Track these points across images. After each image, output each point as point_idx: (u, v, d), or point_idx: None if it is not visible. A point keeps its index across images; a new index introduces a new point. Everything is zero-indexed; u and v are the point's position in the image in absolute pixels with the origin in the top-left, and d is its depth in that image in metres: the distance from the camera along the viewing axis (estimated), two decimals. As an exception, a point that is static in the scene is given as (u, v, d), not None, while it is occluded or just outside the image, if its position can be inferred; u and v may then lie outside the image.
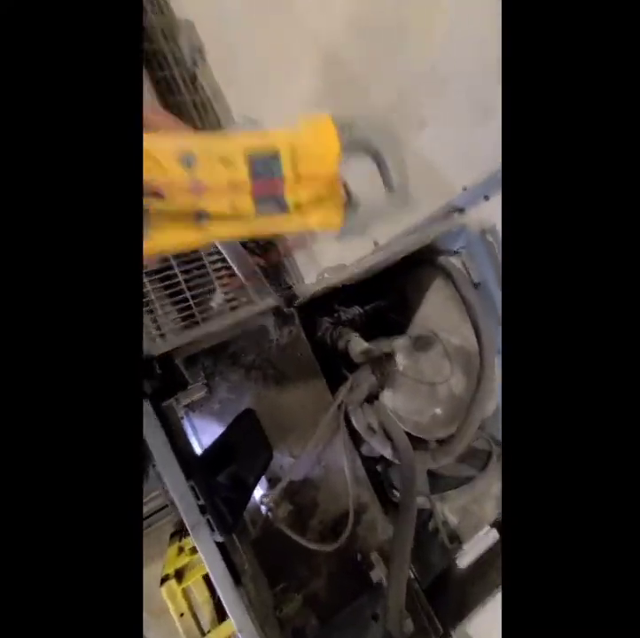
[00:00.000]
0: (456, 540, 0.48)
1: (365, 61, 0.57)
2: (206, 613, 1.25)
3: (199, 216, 0.18)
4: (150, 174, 0.18)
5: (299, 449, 0.48)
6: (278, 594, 0.45)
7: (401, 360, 0.46)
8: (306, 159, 0.18)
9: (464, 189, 0.46)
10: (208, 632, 1.22)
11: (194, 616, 1.23)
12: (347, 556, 0.50)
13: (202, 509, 0.30)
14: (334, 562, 0.49)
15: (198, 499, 0.30)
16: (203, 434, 0.44)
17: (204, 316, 0.45)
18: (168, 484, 0.30)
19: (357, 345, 0.53)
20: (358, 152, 0.19)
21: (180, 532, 1.33)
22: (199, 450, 0.40)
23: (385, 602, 0.37)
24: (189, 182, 0.18)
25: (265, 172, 0.18)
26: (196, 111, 1.35)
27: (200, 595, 1.26)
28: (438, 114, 0.51)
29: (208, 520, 0.30)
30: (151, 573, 1.26)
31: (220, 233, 0.19)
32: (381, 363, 0.48)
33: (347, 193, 0.20)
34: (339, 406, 0.46)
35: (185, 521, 0.30)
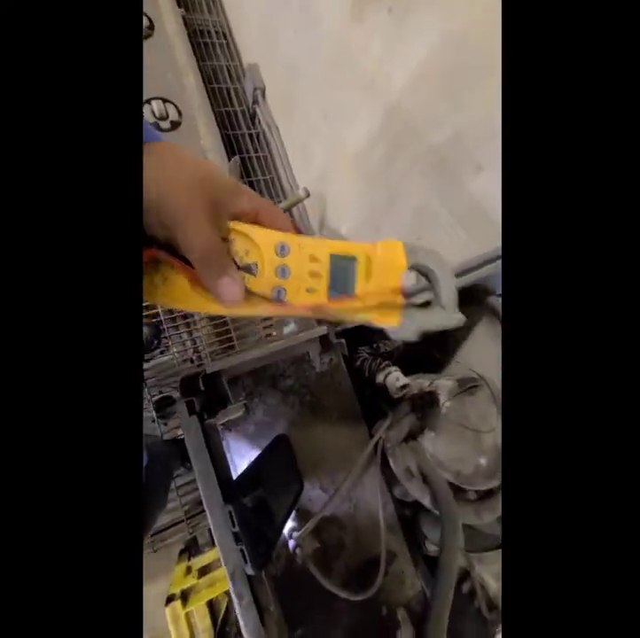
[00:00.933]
0: (495, 609, 0.43)
1: (423, 107, 0.60)
2: (205, 643, 1.19)
3: (279, 293, 0.22)
4: (247, 254, 0.22)
5: (328, 482, 0.47)
6: (296, 640, 0.42)
7: (444, 401, 0.44)
8: (377, 268, 0.23)
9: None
10: (206, 664, 1.16)
11: (198, 644, 1.18)
12: (371, 608, 0.46)
13: (236, 538, 0.30)
14: (357, 613, 0.46)
15: (233, 526, 0.30)
16: (236, 455, 0.44)
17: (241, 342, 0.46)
18: (206, 506, 0.30)
19: (397, 379, 0.52)
20: (418, 272, 0.24)
21: (189, 549, 1.30)
22: (234, 473, 0.39)
23: None
24: (279, 264, 0.22)
25: (342, 272, 0.23)
26: (251, 142, 1.45)
27: (202, 622, 1.21)
28: (493, 160, 0.52)
29: (242, 550, 0.29)
30: (158, 589, 1.23)
31: (293, 311, 0.22)
32: (422, 401, 0.46)
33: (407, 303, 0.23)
34: (377, 443, 0.45)
35: (219, 549, 0.29)
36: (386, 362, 0.57)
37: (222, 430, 0.45)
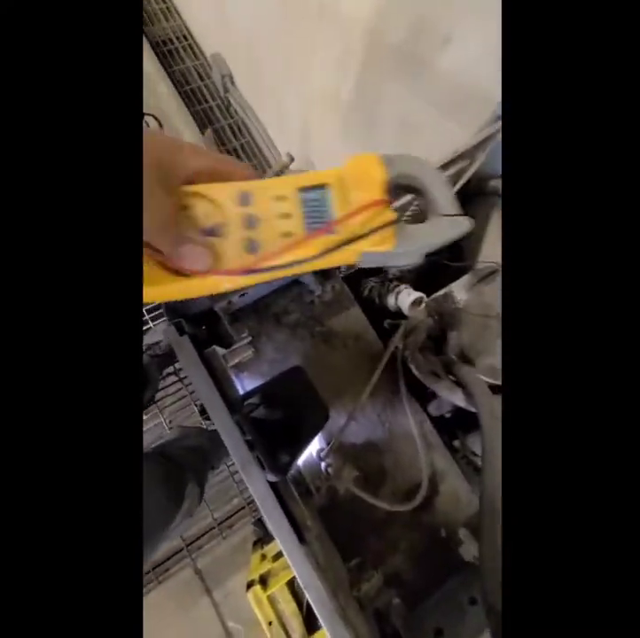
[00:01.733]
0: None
1: (373, 13, 0.55)
2: (296, 627, 1.21)
3: (252, 246, 0.19)
4: (207, 216, 0.19)
5: (352, 408, 0.44)
6: (353, 570, 0.40)
7: (461, 295, 0.40)
8: (354, 189, 0.20)
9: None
10: (300, 644, 1.18)
11: (283, 626, 1.20)
12: (430, 531, 0.43)
13: (250, 445, 0.28)
14: (414, 537, 0.43)
15: (244, 434, 0.28)
16: (255, 395, 0.43)
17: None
18: (217, 424, 0.29)
19: (409, 295, 0.48)
20: (402, 186, 0.20)
21: (262, 540, 1.34)
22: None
23: (480, 578, 0.30)
24: (244, 215, 0.19)
25: (315, 203, 0.20)
26: (232, 132, 1.45)
27: (287, 607, 1.23)
28: (456, 27, 0.47)
29: (257, 457, 0.28)
30: (241, 582, 1.26)
31: (273, 261, 0.19)
32: (437, 304, 0.42)
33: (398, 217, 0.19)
34: (395, 352, 0.42)
35: (236, 462, 0.28)
36: (395, 283, 0.54)
37: (235, 372, 0.44)
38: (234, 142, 1.36)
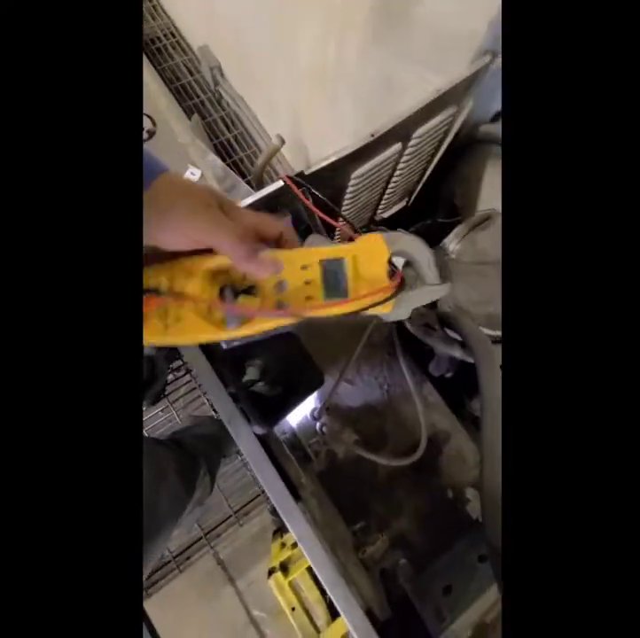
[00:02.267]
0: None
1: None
2: (320, 614, 1.21)
3: (280, 306, 0.24)
4: (244, 278, 0.24)
5: (353, 373, 0.43)
6: (358, 533, 0.39)
7: (452, 246, 0.38)
8: (363, 264, 0.24)
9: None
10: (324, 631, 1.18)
11: (307, 612, 1.20)
12: (435, 493, 0.42)
13: (234, 398, 0.27)
14: (419, 499, 0.42)
15: (227, 387, 0.28)
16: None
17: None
18: (200, 378, 0.28)
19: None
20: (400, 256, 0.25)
21: (280, 529, 1.34)
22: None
23: (483, 525, 0.29)
24: (276, 280, 0.24)
25: (333, 273, 0.24)
26: (224, 125, 1.45)
27: (310, 594, 1.23)
28: None
29: (242, 409, 0.27)
30: (263, 572, 1.27)
31: (294, 319, 0.24)
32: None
33: (401, 283, 0.25)
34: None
35: (222, 417, 0.28)
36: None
37: (226, 343, 0.43)
38: (227, 134, 1.36)
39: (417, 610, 0.32)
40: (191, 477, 0.59)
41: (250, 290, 0.24)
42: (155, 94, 1.33)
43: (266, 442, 0.30)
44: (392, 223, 0.65)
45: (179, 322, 0.23)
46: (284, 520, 0.28)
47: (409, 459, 0.36)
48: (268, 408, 0.29)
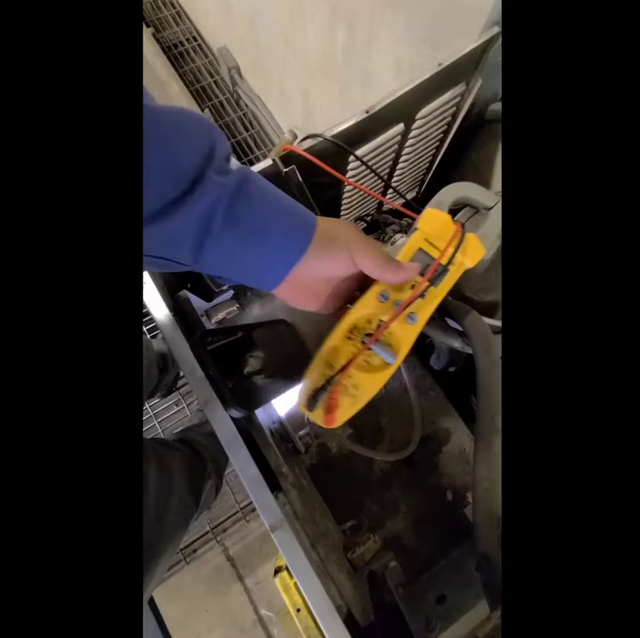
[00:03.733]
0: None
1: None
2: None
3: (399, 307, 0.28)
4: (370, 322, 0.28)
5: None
6: (348, 532, 0.37)
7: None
8: (434, 237, 0.28)
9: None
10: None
11: (312, 614, 1.18)
12: (434, 494, 0.39)
13: (212, 380, 0.26)
14: (416, 500, 0.39)
15: (205, 368, 0.27)
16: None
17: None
18: (178, 359, 0.27)
19: (396, 242, 0.44)
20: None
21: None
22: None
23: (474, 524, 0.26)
24: (379, 295, 0.28)
25: (422, 261, 0.28)
26: (242, 125, 1.47)
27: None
28: None
29: (217, 390, 0.26)
30: (271, 571, 1.26)
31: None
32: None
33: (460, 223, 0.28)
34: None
35: (199, 401, 0.27)
36: (391, 234, 0.50)
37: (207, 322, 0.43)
38: (244, 133, 1.38)
39: (405, 619, 0.30)
40: (199, 485, 0.57)
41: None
42: (176, 96, 1.37)
43: (245, 428, 0.28)
44: (402, 214, 0.62)
45: (359, 388, 0.27)
46: (257, 507, 0.26)
47: (401, 454, 0.34)
48: (248, 392, 0.28)
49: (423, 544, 0.38)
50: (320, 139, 0.36)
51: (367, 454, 0.34)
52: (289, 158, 0.36)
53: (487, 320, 0.35)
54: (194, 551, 1.14)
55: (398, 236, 0.48)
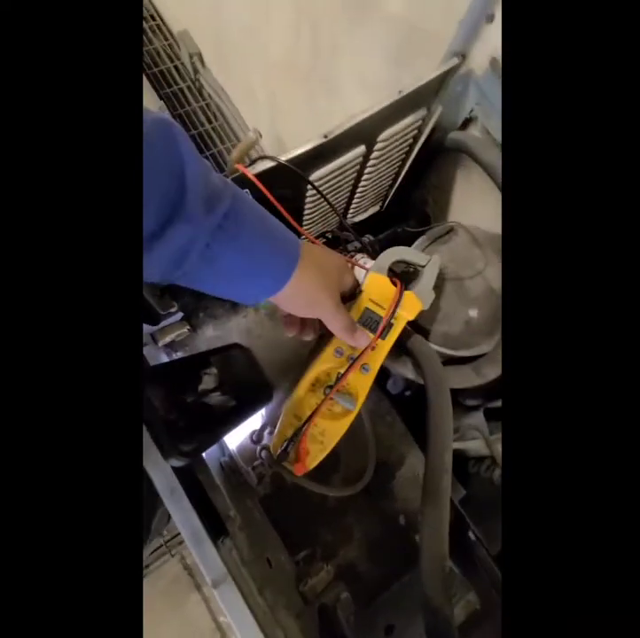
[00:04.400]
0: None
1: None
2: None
3: (352, 361, 0.32)
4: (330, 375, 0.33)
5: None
6: (302, 563, 0.37)
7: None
8: (378, 296, 0.33)
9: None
10: None
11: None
12: (387, 519, 0.40)
13: (148, 424, 0.24)
14: (370, 526, 0.39)
15: (142, 411, 0.24)
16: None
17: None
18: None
19: (365, 264, 0.44)
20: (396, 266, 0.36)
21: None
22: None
23: (420, 572, 0.27)
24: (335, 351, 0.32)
25: (369, 319, 0.32)
26: (205, 116, 1.39)
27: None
28: None
29: (155, 437, 0.24)
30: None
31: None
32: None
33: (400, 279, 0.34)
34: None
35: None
36: (352, 253, 0.49)
37: (167, 353, 0.40)
38: (206, 125, 1.31)
39: (355, 653, 0.30)
40: (149, 516, 0.53)
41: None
42: (131, 79, 1.26)
43: (190, 471, 0.26)
44: (364, 228, 0.62)
45: (325, 434, 0.31)
46: (198, 563, 0.25)
47: (354, 489, 0.34)
48: (198, 423, 0.26)
49: (375, 570, 0.38)
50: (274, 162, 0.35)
51: (319, 490, 0.33)
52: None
53: (442, 349, 0.36)
54: (147, 566, 1.09)
55: (359, 256, 0.48)
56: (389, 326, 0.32)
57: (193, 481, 0.28)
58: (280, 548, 0.36)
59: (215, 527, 0.27)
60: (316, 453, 0.30)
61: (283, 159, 0.34)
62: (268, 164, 0.35)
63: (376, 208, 0.66)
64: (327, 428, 0.31)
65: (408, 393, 0.43)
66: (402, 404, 0.43)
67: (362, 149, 0.41)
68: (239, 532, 0.28)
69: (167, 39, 1.37)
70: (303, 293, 0.26)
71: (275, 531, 0.36)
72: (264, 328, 0.43)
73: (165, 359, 0.39)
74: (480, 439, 0.38)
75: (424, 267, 0.35)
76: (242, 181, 0.33)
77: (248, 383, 0.37)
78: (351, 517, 0.39)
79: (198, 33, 1.21)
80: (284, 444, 0.29)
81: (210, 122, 1.29)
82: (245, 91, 1.09)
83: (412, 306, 0.33)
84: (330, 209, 0.51)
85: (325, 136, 0.34)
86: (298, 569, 0.36)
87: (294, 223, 0.34)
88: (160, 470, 0.24)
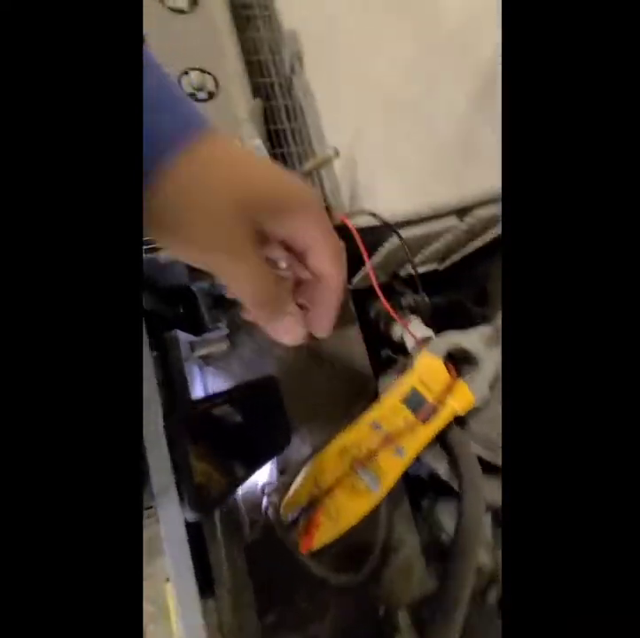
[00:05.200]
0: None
1: (465, 13, 0.49)
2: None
3: (388, 439, 0.31)
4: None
5: (321, 440, 0.38)
6: (268, 628, 0.34)
7: (471, 346, 0.34)
8: (429, 380, 0.32)
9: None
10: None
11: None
12: (366, 604, 0.37)
13: (176, 468, 0.22)
14: (348, 607, 0.37)
15: (172, 452, 0.23)
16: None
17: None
18: (145, 426, 0.23)
19: (417, 330, 0.42)
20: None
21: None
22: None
23: None
24: (382, 437, 0.31)
25: (414, 400, 0.32)
26: (286, 115, 1.41)
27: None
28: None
29: (179, 485, 0.22)
30: (161, 568, 1.21)
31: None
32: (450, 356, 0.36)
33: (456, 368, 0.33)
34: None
35: (153, 482, 0.23)
36: (405, 314, 0.48)
37: (200, 364, 0.38)
38: (286, 123, 1.31)
39: None
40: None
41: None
42: (230, 59, 1.28)
43: (198, 526, 0.25)
44: (417, 287, 0.61)
45: (340, 512, 0.29)
46: (180, 620, 0.23)
47: (355, 575, 0.31)
48: (208, 490, 0.25)
49: (340, 656, 0.35)
50: (373, 220, 0.33)
51: (320, 573, 0.31)
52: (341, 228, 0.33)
53: (482, 451, 0.34)
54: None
55: (412, 317, 0.46)
56: (434, 411, 0.30)
57: (196, 530, 0.26)
58: (252, 606, 0.34)
59: (205, 583, 0.25)
60: (326, 529, 0.29)
61: (390, 220, 0.33)
62: (368, 219, 0.33)
63: (433, 265, 0.65)
64: (344, 505, 0.29)
65: (425, 478, 0.40)
66: (413, 481, 0.41)
67: (453, 220, 0.40)
68: (227, 595, 0.26)
69: (274, 32, 1.40)
70: (191, 197, 0.15)
71: (252, 584, 0.34)
72: (301, 366, 0.41)
73: (195, 370, 0.37)
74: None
75: (484, 360, 0.33)
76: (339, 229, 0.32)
77: (268, 423, 0.35)
78: (331, 592, 0.37)
79: (305, 35, 1.22)
80: (297, 513, 0.28)
81: (290, 122, 1.30)
82: (336, 106, 1.09)
83: (464, 398, 0.31)
84: (392, 260, 0.49)
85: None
86: (263, 633, 0.34)
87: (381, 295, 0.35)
88: (172, 522, 0.22)
